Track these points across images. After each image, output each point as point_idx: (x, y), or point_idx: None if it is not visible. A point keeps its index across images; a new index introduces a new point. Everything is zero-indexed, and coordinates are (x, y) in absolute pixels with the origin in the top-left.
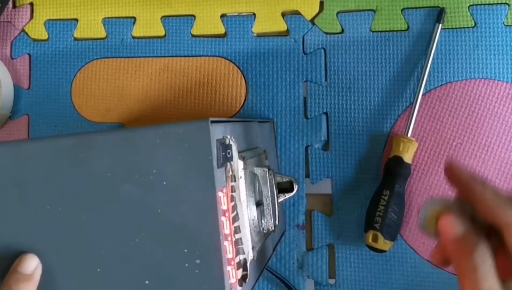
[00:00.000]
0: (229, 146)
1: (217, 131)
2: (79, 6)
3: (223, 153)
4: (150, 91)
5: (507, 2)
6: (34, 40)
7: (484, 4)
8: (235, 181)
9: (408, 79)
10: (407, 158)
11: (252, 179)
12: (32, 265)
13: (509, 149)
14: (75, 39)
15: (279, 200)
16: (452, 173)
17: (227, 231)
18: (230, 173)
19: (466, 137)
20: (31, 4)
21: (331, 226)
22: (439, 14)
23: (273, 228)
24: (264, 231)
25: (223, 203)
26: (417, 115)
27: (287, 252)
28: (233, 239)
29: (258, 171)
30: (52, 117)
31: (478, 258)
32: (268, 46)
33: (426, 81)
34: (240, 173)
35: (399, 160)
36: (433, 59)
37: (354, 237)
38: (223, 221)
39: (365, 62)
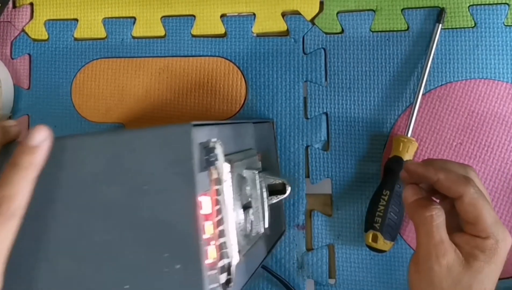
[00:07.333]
0: (213, 149)
1: (201, 135)
2: (79, 6)
3: (206, 157)
4: (150, 91)
5: (507, 2)
6: (34, 40)
7: (484, 4)
8: (220, 184)
9: (408, 79)
10: (407, 158)
11: (240, 181)
12: (38, 137)
13: (509, 149)
14: (75, 39)
15: (271, 202)
16: (409, 174)
17: (209, 235)
18: (216, 176)
19: (466, 137)
20: (31, 4)
21: (331, 226)
22: (439, 14)
23: (262, 231)
24: (253, 234)
25: (207, 207)
26: (417, 115)
27: (287, 252)
28: (217, 243)
29: (247, 173)
30: (52, 117)
31: (434, 211)
32: (268, 46)
33: (426, 81)
34: (226, 176)
35: (399, 160)
36: (433, 59)
37: (354, 237)
38: (204, 226)
39: (365, 62)
